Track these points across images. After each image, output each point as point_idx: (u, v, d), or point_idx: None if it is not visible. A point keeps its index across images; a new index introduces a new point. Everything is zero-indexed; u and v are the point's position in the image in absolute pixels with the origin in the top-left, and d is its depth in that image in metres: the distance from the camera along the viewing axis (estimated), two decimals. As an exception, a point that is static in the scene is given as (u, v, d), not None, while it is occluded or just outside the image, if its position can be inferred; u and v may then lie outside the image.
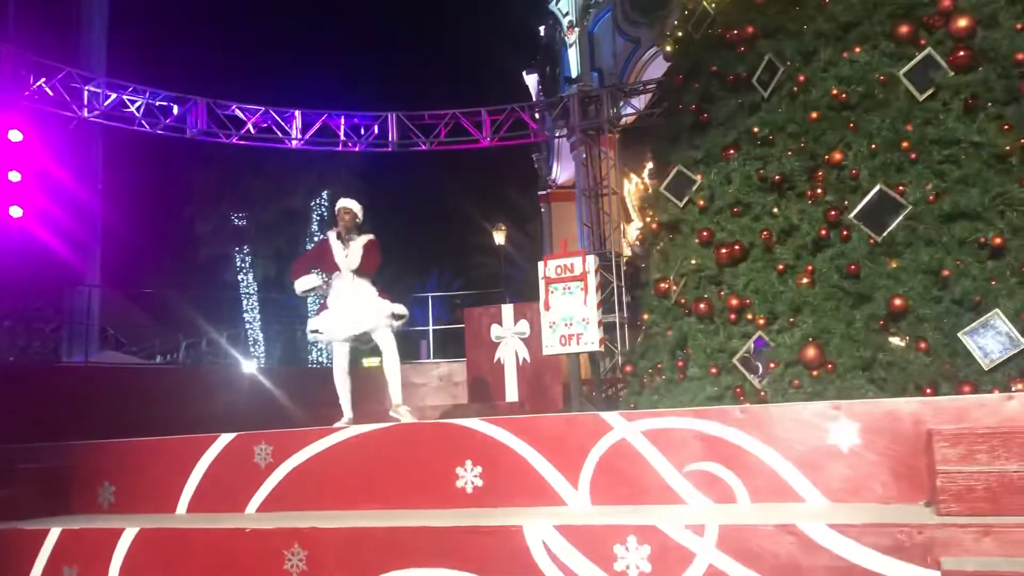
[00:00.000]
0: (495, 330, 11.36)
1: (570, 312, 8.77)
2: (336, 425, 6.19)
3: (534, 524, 4.24)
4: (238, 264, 32.27)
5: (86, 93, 15.34)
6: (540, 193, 25.58)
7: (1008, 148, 6.41)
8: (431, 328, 15.38)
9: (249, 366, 22.04)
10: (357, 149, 17.96)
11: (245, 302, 31.97)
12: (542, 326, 8.96)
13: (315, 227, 32.15)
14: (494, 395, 11.18)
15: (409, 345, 21.75)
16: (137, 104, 15.94)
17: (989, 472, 3.89)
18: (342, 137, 17.41)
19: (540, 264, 8.95)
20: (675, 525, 3.98)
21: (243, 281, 32.25)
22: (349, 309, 7.01)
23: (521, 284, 29.52)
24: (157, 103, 16.17)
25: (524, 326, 11.21)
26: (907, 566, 3.59)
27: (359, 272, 7.09)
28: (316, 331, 7.14)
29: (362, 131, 17.60)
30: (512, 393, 11.15)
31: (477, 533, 4.36)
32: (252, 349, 30.64)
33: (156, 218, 29.01)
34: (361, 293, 7.06)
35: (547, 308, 8.84)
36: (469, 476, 5.22)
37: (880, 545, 3.65)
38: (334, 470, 5.61)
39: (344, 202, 7.33)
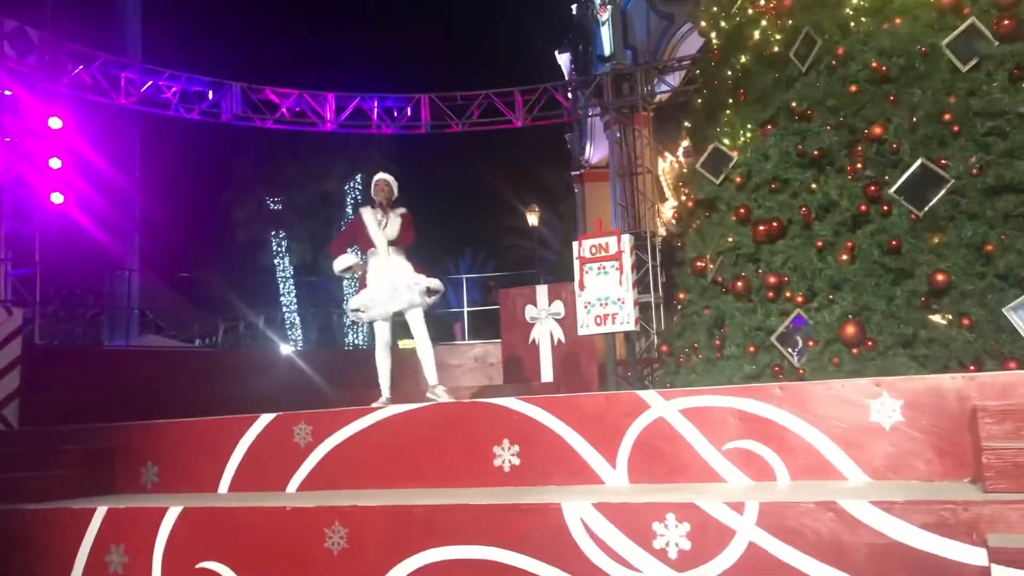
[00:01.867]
0: (530, 311, 11.36)
1: (605, 292, 8.72)
2: (374, 405, 6.24)
3: (573, 502, 4.24)
4: (274, 248, 32.56)
5: (123, 79, 15.50)
6: (573, 173, 25.45)
7: (1055, 119, 6.25)
8: (465, 309, 15.41)
9: (286, 349, 22.30)
10: (390, 132, 18.01)
11: (282, 286, 32.26)
12: (577, 306, 8.93)
13: (349, 210, 32.28)
14: (529, 375, 11.20)
15: (443, 326, 21.85)
16: (173, 90, 16.09)
17: (1037, 449, 3.81)
18: (375, 119, 17.46)
19: (575, 244, 8.91)
20: (714, 503, 3.96)
21: (279, 265, 32.54)
22: (386, 285, 7.02)
23: (554, 265, 29.50)
24: (192, 88, 16.31)
25: (559, 307, 11.20)
26: (952, 543, 3.54)
27: (396, 245, 7.12)
28: (357, 310, 7.15)
29: (395, 113, 17.63)
30: (547, 373, 11.15)
31: (516, 511, 4.37)
32: (289, 332, 30.95)
33: (192, 203, 29.33)
34: (397, 269, 7.06)
35: (582, 288, 8.81)
36: (506, 455, 5.23)
37: (924, 522, 3.60)
38: (373, 449, 5.65)
39: (381, 175, 7.38)
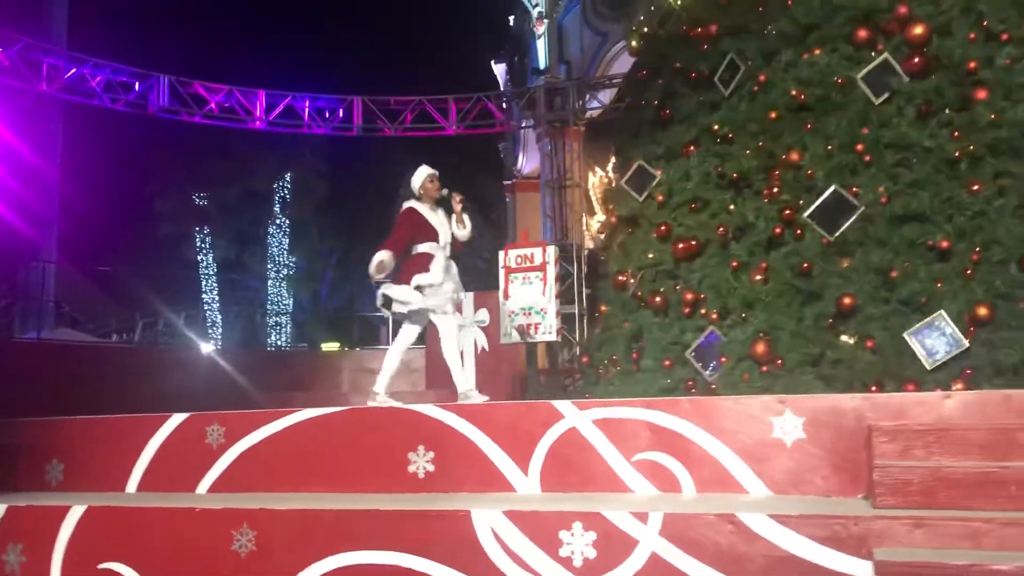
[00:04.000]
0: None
1: (529, 302, 8.83)
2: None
3: (482, 509, 4.29)
4: (198, 244, 31.86)
5: (46, 66, 15.04)
6: (505, 183, 25.57)
7: (958, 154, 6.57)
8: (391, 314, 15.33)
9: (207, 347, 21.87)
10: (321, 132, 17.88)
11: (204, 283, 31.57)
12: (501, 315, 9.01)
13: (277, 208, 31.81)
14: (452, 383, 11.19)
15: (368, 330, 21.71)
16: (98, 79, 15.68)
17: (924, 467, 4.02)
18: (306, 119, 17.31)
19: (500, 253, 8.99)
20: (619, 512, 4.06)
21: (203, 261, 31.84)
22: (450, 290, 6.39)
23: (484, 273, 29.57)
24: (118, 79, 15.92)
25: (484, 315, 11.23)
26: (842, 556, 3.70)
27: (455, 246, 6.58)
28: (405, 302, 6.30)
29: (327, 114, 17.51)
30: (470, 381, 11.16)
31: (426, 517, 4.41)
32: (210, 330, 30.30)
33: (115, 194, 28.51)
34: (453, 270, 6.50)
35: (506, 297, 8.91)
36: (421, 461, 5.26)
37: (817, 536, 3.76)
38: (287, 452, 5.61)
39: (430, 168, 6.60)
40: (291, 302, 31.85)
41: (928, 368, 6.23)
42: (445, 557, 4.29)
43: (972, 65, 6.71)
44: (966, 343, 6.17)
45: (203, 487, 5.71)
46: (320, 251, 31.30)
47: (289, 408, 5.98)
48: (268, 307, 31.19)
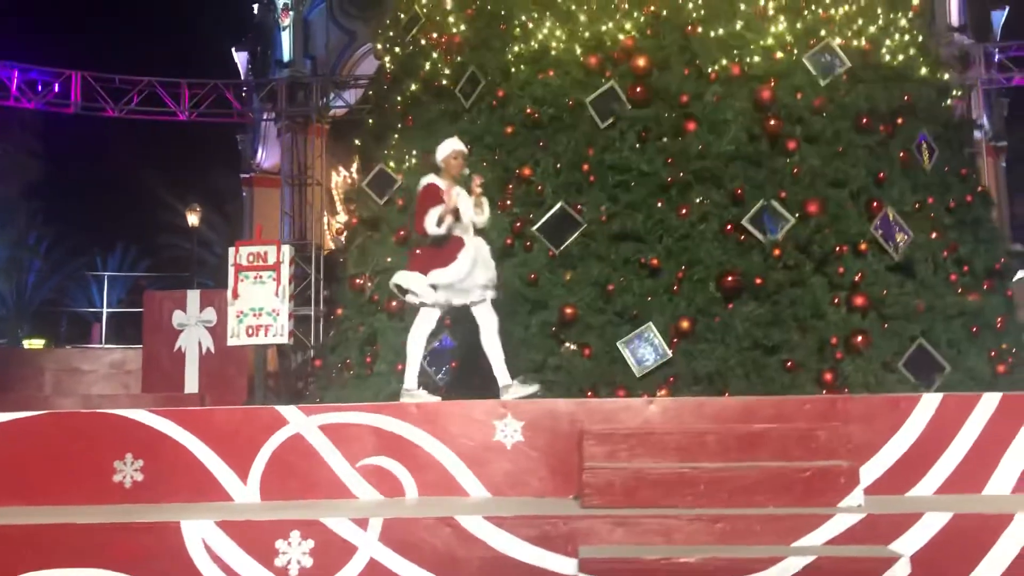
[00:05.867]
0: (178, 316, 10.77)
1: (260, 302, 8.50)
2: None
3: (193, 520, 4.07)
4: None
5: None
6: (243, 176, 24.52)
7: (670, 179, 7.17)
8: (105, 310, 14.21)
9: None
10: (31, 107, 16.20)
11: None
12: (229, 315, 8.61)
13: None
14: (172, 386, 10.61)
15: (79, 328, 19.98)
16: None
17: (628, 468, 4.34)
18: (14, 91, 15.60)
19: (231, 250, 8.60)
20: (339, 519, 4.03)
21: None
22: (482, 278, 5.72)
23: (216, 269, 28.17)
24: None
25: (210, 314, 10.74)
26: (551, 555, 3.90)
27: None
28: (434, 286, 5.62)
29: (40, 88, 15.89)
30: (192, 384, 10.64)
31: (130, 530, 4.11)
32: None
33: None
34: (487, 260, 5.84)
35: (235, 296, 8.50)
36: (128, 470, 4.88)
37: (529, 536, 3.94)
38: (-32, 463, 4.99)
39: (459, 144, 6.03)
40: (-10, 293, 28.55)
41: (637, 375, 6.74)
42: (152, 572, 4.03)
43: (685, 99, 7.36)
44: (670, 353, 6.75)
45: None
46: (27, 238, 28.36)
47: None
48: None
